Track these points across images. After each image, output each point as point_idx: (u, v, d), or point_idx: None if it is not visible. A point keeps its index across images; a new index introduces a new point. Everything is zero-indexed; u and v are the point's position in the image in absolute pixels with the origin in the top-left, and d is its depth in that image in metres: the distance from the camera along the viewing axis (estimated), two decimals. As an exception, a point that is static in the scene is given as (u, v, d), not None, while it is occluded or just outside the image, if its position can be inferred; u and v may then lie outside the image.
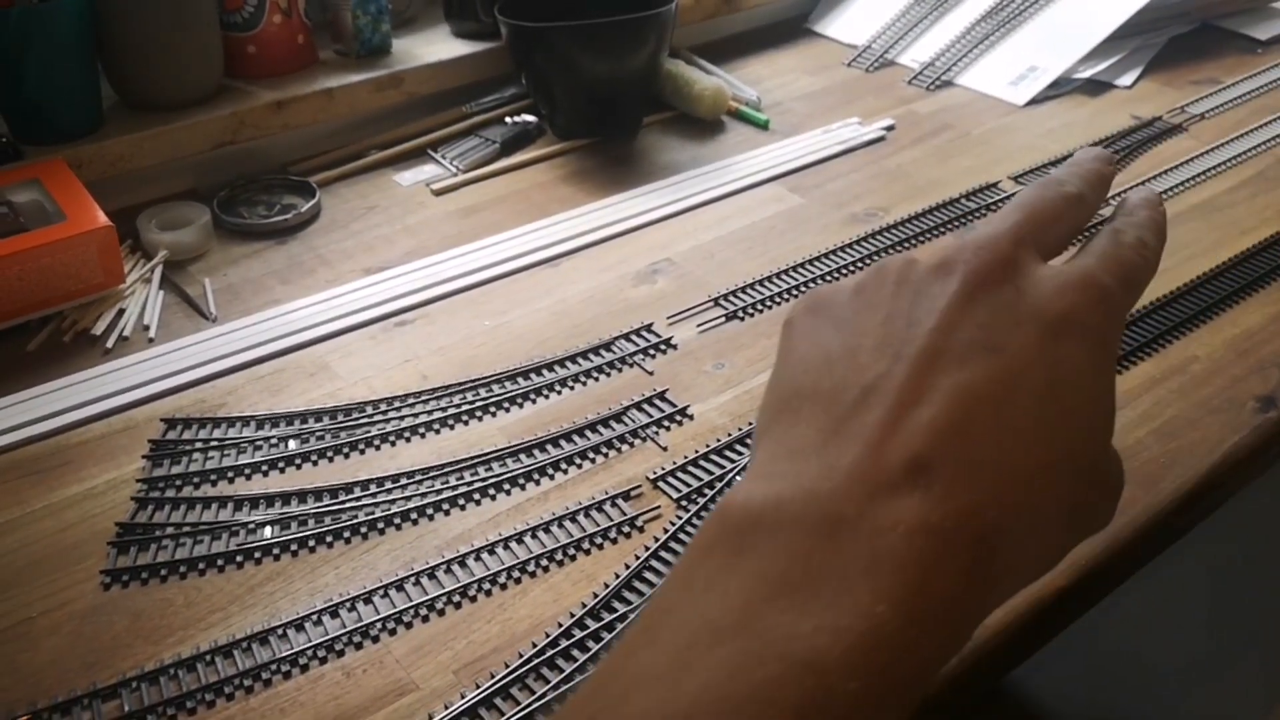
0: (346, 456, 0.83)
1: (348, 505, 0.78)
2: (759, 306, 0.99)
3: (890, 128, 1.33)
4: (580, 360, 0.92)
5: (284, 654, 0.67)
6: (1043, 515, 0.41)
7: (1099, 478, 0.45)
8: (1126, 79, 1.43)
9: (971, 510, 0.38)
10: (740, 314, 0.98)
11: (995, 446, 0.40)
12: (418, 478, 0.80)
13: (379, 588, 0.71)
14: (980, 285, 0.44)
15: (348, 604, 0.70)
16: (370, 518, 0.76)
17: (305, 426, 0.85)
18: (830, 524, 0.38)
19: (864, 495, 0.38)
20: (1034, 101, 1.39)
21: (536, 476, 0.81)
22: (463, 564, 0.73)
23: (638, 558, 0.73)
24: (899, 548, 0.37)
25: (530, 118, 1.34)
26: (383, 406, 0.87)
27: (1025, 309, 0.44)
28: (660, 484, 0.80)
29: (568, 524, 0.76)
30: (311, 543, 0.75)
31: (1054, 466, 0.41)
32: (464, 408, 0.87)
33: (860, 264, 1.05)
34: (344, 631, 0.68)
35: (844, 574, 0.36)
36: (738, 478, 0.79)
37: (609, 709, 0.37)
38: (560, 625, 0.68)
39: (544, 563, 0.73)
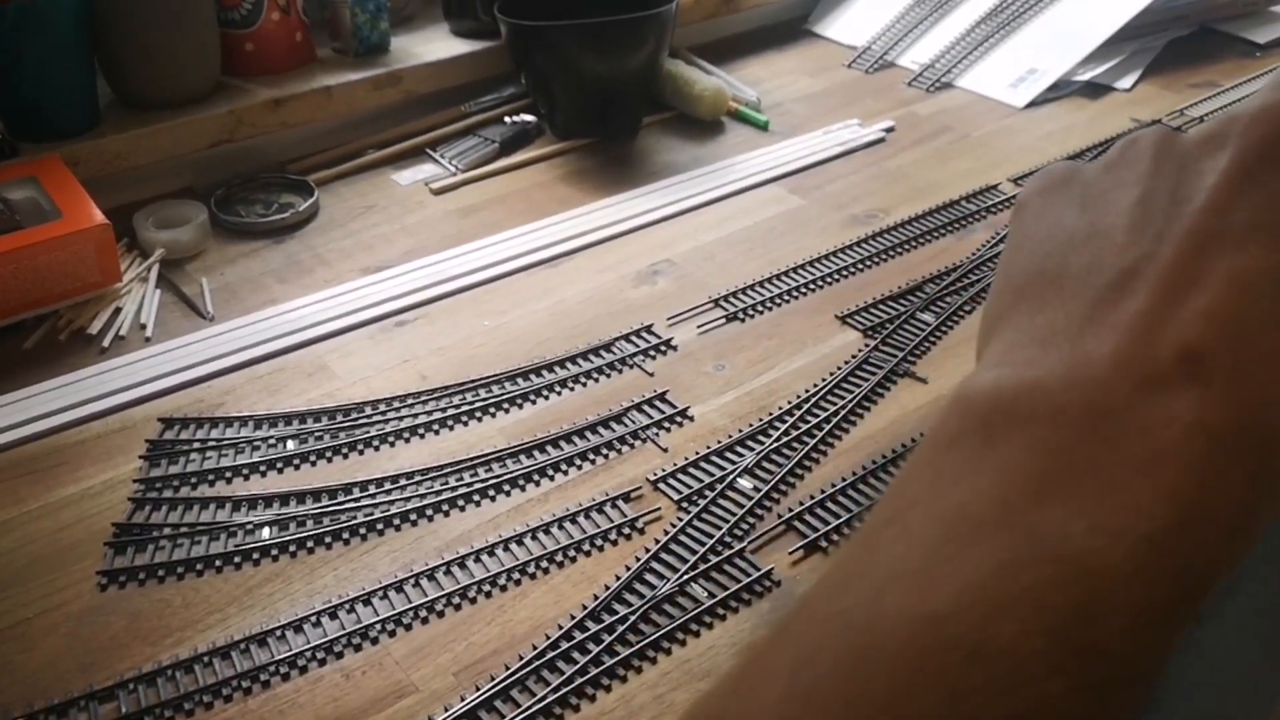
0: (345, 457, 0.82)
1: (347, 506, 0.77)
2: (759, 308, 0.99)
3: (890, 129, 1.33)
4: (580, 361, 0.92)
5: (282, 656, 0.66)
6: None
7: None
8: (1126, 82, 1.43)
9: (1254, 410, 0.34)
10: (740, 315, 0.98)
11: (1276, 339, 0.36)
12: (417, 479, 0.80)
13: (378, 589, 0.71)
14: (1258, 160, 0.39)
15: (347, 606, 0.70)
16: (369, 519, 0.76)
17: (304, 427, 0.85)
18: (1096, 415, 0.34)
19: (1133, 387, 0.35)
20: (1034, 104, 1.39)
21: (536, 478, 0.80)
22: (462, 565, 0.73)
23: (638, 559, 0.73)
24: (1178, 445, 0.33)
25: (529, 117, 1.33)
26: (381, 407, 0.87)
27: None
28: (660, 485, 0.79)
29: (568, 525, 0.76)
30: (310, 544, 0.75)
31: None
32: (463, 408, 0.86)
33: (861, 265, 1.05)
34: (343, 633, 0.68)
35: (1116, 471, 0.33)
36: (739, 479, 0.79)
37: (861, 606, 0.34)
38: (560, 627, 0.68)
39: (544, 564, 0.73)
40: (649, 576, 0.72)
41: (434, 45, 1.37)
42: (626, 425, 0.85)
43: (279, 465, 0.81)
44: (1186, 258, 0.37)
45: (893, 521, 0.36)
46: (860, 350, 0.92)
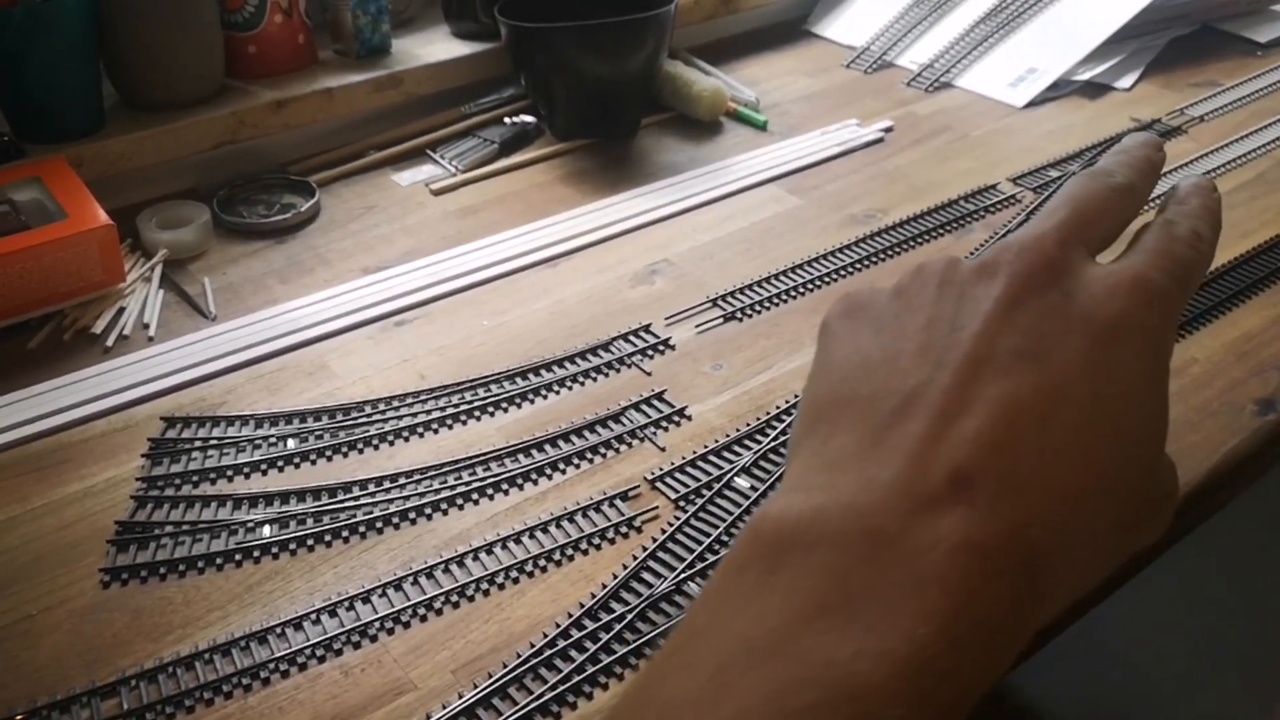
0: (345, 456, 0.83)
1: (346, 505, 0.78)
2: (757, 308, 0.99)
3: (889, 129, 1.33)
4: (578, 360, 0.93)
5: (282, 653, 0.67)
6: (1090, 531, 0.39)
7: (1150, 493, 0.43)
8: (1126, 81, 1.43)
9: (1016, 528, 0.37)
10: (738, 315, 0.98)
11: (1040, 462, 0.38)
12: (416, 477, 0.80)
13: (377, 587, 0.71)
14: (1025, 289, 0.42)
15: (346, 603, 0.70)
16: (369, 517, 0.77)
17: (304, 426, 0.85)
18: (870, 541, 0.36)
19: (906, 510, 0.37)
20: (1033, 103, 1.39)
21: (535, 477, 0.81)
22: (461, 564, 0.73)
23: (635, 558, 0.73)
24: (942, 567, 0.35)
25: (529, 118, 1.34)
26: (381, 406, 0.87)
27: (1073, 314, 0.42)
28: (658, 484, 0.80)
29: (566, 524, 0.76)
30: (310, 542, 0.75)
31: (1102, 483, 0.39)
32: (462, 408, 0.87)
33: (859, 265, 1.05)
34: (342, 631, 0.68)
35: (885, 595, 0.35)
36: (736, 478, 0.80)
37: None
38: (558, 625, 0.68)
39: (542, 563, 0.74)
40: (646, 575, 0.72)
41: (434, 47, 1.38)
42: (624, 424, 0.86)
43: (279, 464, 0.82)
44: (961, 383, 0.40)
45: (679, 651, 0.38)
46: (857, 350, 0.93)
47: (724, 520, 0.76)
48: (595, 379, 0.91)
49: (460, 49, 1.38)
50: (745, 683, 0.34)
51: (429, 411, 0.87)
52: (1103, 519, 0.40)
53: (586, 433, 0.85)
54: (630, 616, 0.69)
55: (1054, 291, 0.42)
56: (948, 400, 0.39)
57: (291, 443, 0.84)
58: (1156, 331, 0.43)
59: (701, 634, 0.37)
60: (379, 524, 0.77)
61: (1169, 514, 0.45)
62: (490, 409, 0.87)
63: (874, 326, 0.46)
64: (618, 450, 0.83)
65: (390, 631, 0.69)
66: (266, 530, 0.76)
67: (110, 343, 0.96)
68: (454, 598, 0.71)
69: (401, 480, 0.80)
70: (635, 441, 0.84)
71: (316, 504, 0.78)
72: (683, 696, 0.35)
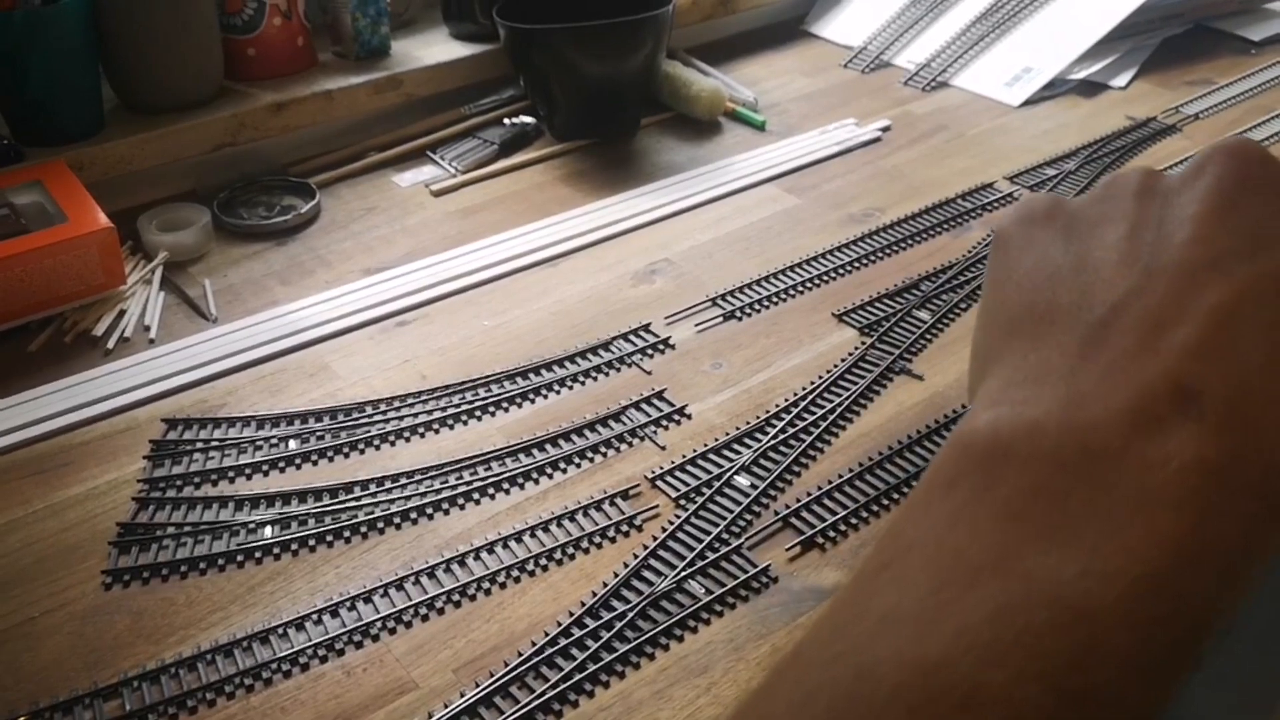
0: (346, 456, 0.83)
1: (348, 505, 0.78)
2: (756, 306, 1.00)
3: (886, 128, 1.34)
4: (579, 360, 0.93)
5: (284, 653, 0.67)
6: None
7: None
8: (1121, 80, 1.43)
9: (1251, 445, 0.34)
10: (738, 314, 0.99)
11: (1269, 373, 0.35)
12: (417, 477, 0.81)
13: (379, 587, 0.72)
14: (1239, 187, 0.39)
15: (348, 603, 0.71)
16: (370, 517, 0.77)
17: (305, 426, 0.86)
18: (1092, 457, 0.34)
19: (1128, 426, 0.35)
20: (1029, 102, 1.39)
21: (535, 476, 0.81)
22: (462, 563, 0.74)
23: (636, 556, 0.74)
24: (1173, 485, 0.33)
25: (528, 119, 1.34)
26: (382, 406, 0.88)
27: None
28: (659, 483, 0.80)
29: (566, 523, 0.77)
30: (312, 542, 0.75)
31: None
32: (463, 408, 0.87)
33: (858, 263, 1.06)
34: (344, 630, 0.69)
35: (1111, 514, 0.33)
36: (736, 477, 0.80)
37: (855, 651, 0.34)
38: (559, 624, 0.69)
39: (543, 562, 0.74)
40: (647, 573, 0.73)
41: (434, 49, 1.38)
42: (625, 423, 0.86)
43: (281, 465, 0.82)
44: (1175, 290, 0.37)
45: (888, 566, 0.36)
46: (857, 348, 0.93)
47: (724, 518, 0.76)
48: (595, 378, 0.91)
49: (460, 50, 1.38)
50: (967, 601, 0.33)
51: (430, 412, 0.87)
52: None
53: (587, 432, 0.85)
54: (631, 615, 0.69)
55: (1268, 191, 0.40)
56: (1163, 309, 0.37)
57: (293, 443, 0.84)
58: None
59: (915, 548, 0.36)
60: (380, 524, 0.77)
61: None
62: (491, 409, 0.88)
63: (1064, 235, 0.43)
64: (618, 449, 0.84)
65: (392, 631, 0.69)
66: (268, 531, 0.76)
67: (111, 345, 0.96)
68: (455, 597, 0.71)
69: (403, 480, 0.80)
70: (635, 440, 0.84)
71: (318, 504, 0.78)
72: (900, 612, 0.34)
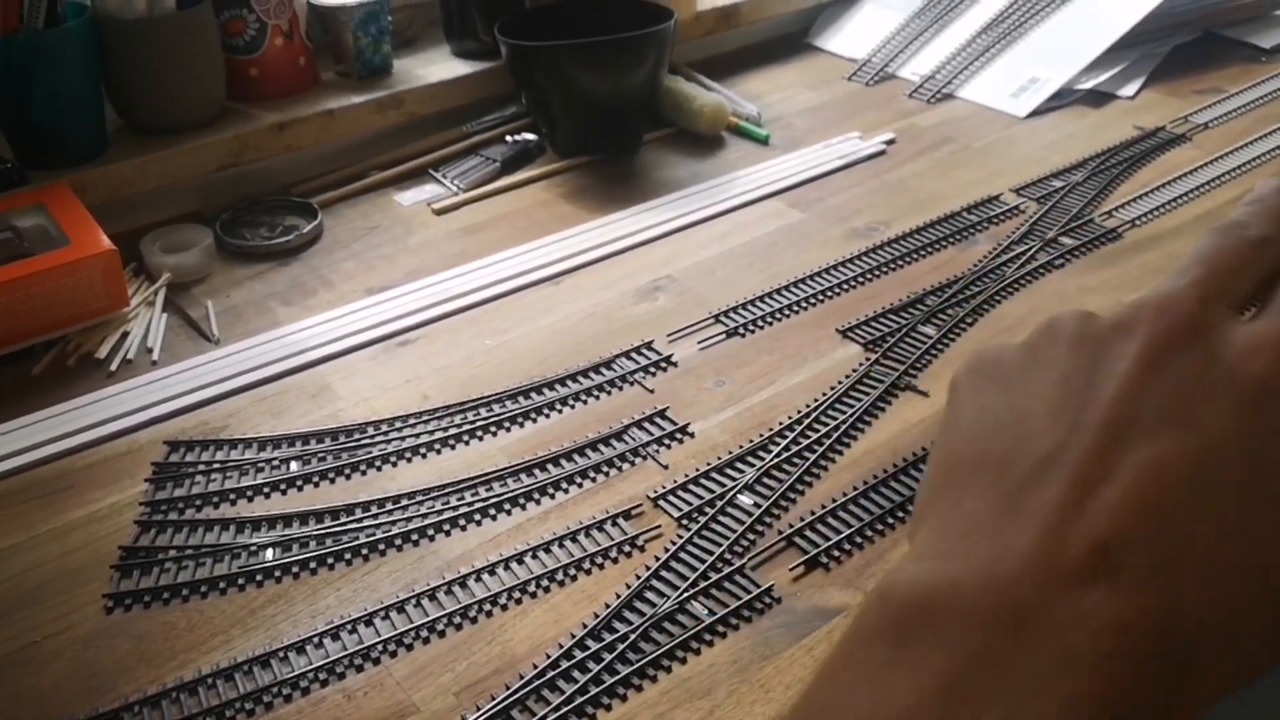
0: (348, 478, 0.83)
1: (349, 527, 0.78)
2: (760, 323, 0.99)
3: (891, 141, 1.33)
4: (581, 379, 0.93)
5: (285, 677, 0.67)
6: (1248, 620, 0.36)
7: None
8: (1129, 89, 1.43)
9: (1168, 608, 0.34)
10: (741, 330, 0.98)
11: (1191, 536, 0.35)
12: (419, 498, 0.80)
13: (380, 609, 0.71)
14: (1167, 348, 0.39)
15: (349, 626, 0.70)
16: (371, 539, 0.77)
17: (307, 448, 0.86)
18: (1009, 616, 0.34)
19: (1046, 584, 0.34)
20: (1036, 113, 1.39)
21: (537, 496, 0.81)
22: (463, 585, 0.73)
23: (638, 577, 0.73)
24: (1087, 648, 0.33)
25: (530, 136, 1.34)
26: (384, 427, 0.88)
27: (1220, 376, 0.39)
28: (661, 502, 0.80)
29: (568, 544, 0.76)
30: (313, 564, 0.75)
31: (1259, 553, 0.36)
32: (465, 427, 0.87)
33: (862, 279, 1.05)
34: (345, 654, 0.68)
35: (1029, 676, 0.33)
36: (739, 495, 0.80)
37: None
38: (561, 646, 0.68)
39: (545, 583, 0.74)
40: (649, 594, 0.72)
41: (435, 67, 1.38)
42: (627, 442, 0.85)
43: (282, 487, 0.82)
44: (1100, 447, 0.37)
45: None
46: (861, 364, 0.93)
47: (727, 538, 0.76)
48: (598, 397, 0.91)
49: (461, 68, 1.38)
50: None
51: (431, 432, 0.87)
52: (1263, 605, 0.37)
53: (589, 451, 0.85)
54: (634, 636, 0.69)
55: (1197, 351, 0.40)
56: (1087, 465, 0.37)
57: (294, 465, 0.84)
58: None
59: (826, 713, 0.36)
60: (381, 546, 0.77)
61: None
62: (493, 428, 0.87)
63: (1001, 384, 0.43)
64: (620, 469, 0.83)
65: (393, 654, 0.69)
66: (269, 553, 0.76)
67: (114, 367, 0.96)
68: (456, 619, 0.71)
69: (404, 501, 0.80)
70: (638, 459, 0.84)
71: (319, 526, 0.78)
72: None
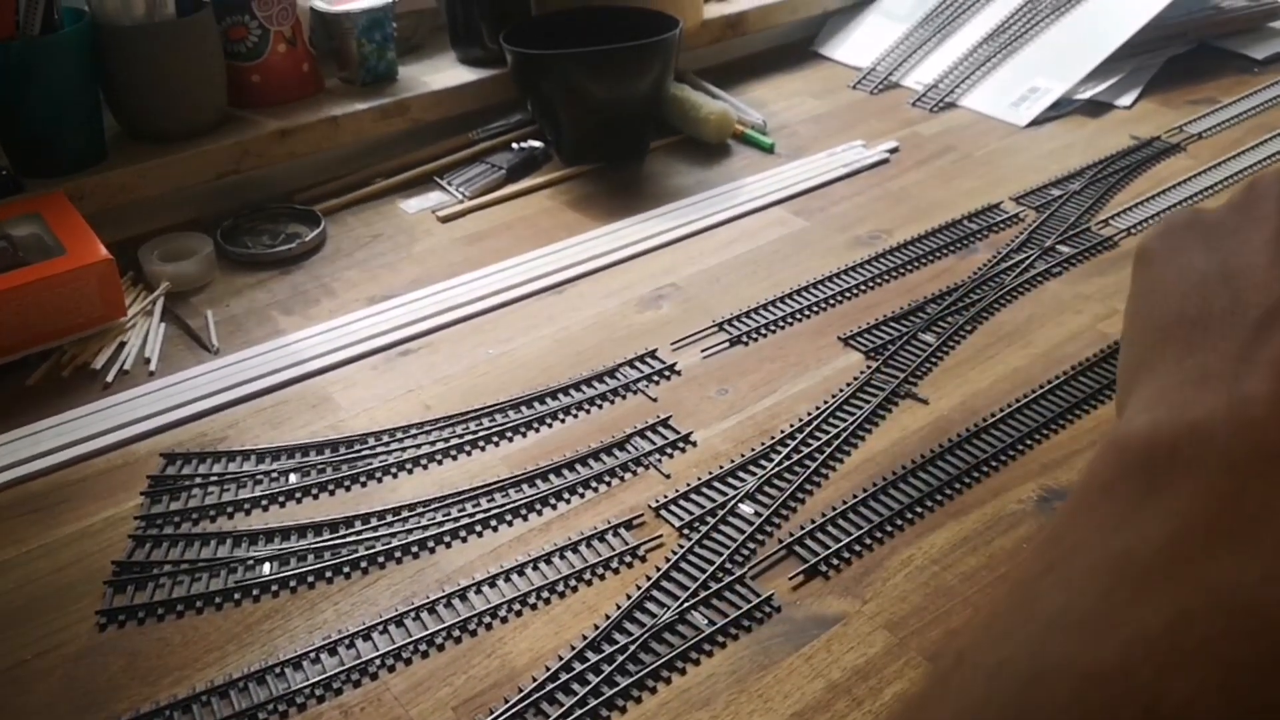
0: (347, 490, 0.82)
1: (348, 539, 0.77)
2: (763, 331, 0.98)
3: (894, 150, 1.33)
4: (584, 388, 0.92)
5: (281, 693, 0.66)
6: None
7: None
8: (1126, 99, 1.43)
9: None
10: (744, 339, 0.98)
11: None
12: (419, 510, 0.80)
13: (378, 624, 0.71)
14: None
15: (346, 641, 0.69)
16: (370, 552, 0.76)
17: (306, 460, 0.85)
18: (1263, 457, 0.32)
19: None
20: (1035, 122, 1.39)
21: (538, 507, 0.80)
22: (463, 598, 0.72)
23: (639, 587, 0.72)
24: None
25: (536, 143, 1.33)
26: (385, 438, 0.87)
27: None
28: (662, 512, 0.79)
29: (569, 555, 0.76)
30: (310, 579, 0.74)
31: None
32: (466, 438, 0.86)
33: (865, 286, 1.04)
34: (342, 669, 0.68)
35: None
36: (740, 505, 0.79)
37: (1024, 658, 0.32)
38: (560, 659, 0.68)
39: (545, 594, 0.73)
40: (649, 605, 0.71)
41: (441, 74, 1.38)
42: (629, 452, 0.85)
43: (280, 499, 0.81)
44: None
45: (1051, 568, 0.34)
46: (862, 372, 0.92)
47: (727, 547, 0.75)
48: (601, 406, 0.90)
49: (467, 75, 1.37)
50: (1140, 605, 0.31)
51: (433, 443, 0.86)
52: None
53: (591, 461, 0.84)
54: (633, 647, 0.68)
55: None
56: None
57: (293, 477, 0.83)
58: None
59: (1079, 551, 0.34)
60: (380, 559, 0.76)
61: None
62: (495, 439, 0.87)
63: (1207, 243, 0.42)
64: (622, 478, 0.83)
65: (391, 669, 0.68)
66: (266, 568, 0.75)
67: (110, 378, 0.95)
68: (455, 632, 0.70)
69: (404, 513, 0.79)
70: (640, 469, 0.83)
71: (317, 539, 0.77)
72: (1069, 618, 0.32)
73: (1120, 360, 0.42)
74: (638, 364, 0.95)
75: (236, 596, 0.73)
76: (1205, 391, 0.36)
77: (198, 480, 0.83)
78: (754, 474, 0.82)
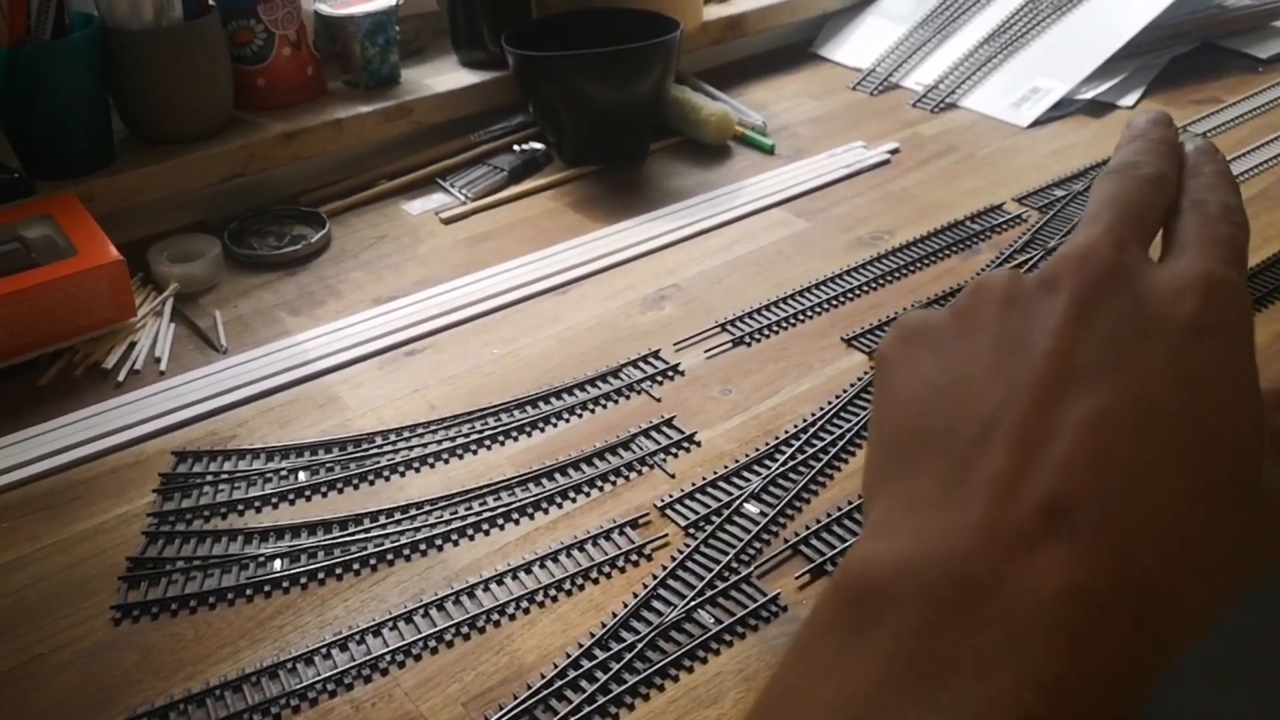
0: (356, 488, 0.83)
1: (357, 537, 0.78)
2: (766, 331, 0.99)
3: (895, 151, 1.34)
4: (588, 388, 0.93)
5: (293, 688, 0.67)
6: (1207, 551, 0.35)
7: (1261, 496, 0.38)
8: (1129, 99, 1.43)
9: (1124, 559, 0.33)
10: (747, 339, 0.98)
11: (1139, 480, 0.34)
12: (426, 508, 0.81)
13: (388, 620, 0.71)
14: (1093, 298, 0.39)
15: (356, 637, 0.70)
16: (379, 549, 0.77)
17: (315, 458, 0.86)
18: (962, 591, 0.33)
19: (999, 553, 0.33)
20: (1037, 123, 1.39)
21: (545, 506, 0.81)
22: (471, 595, 0.73)
23: (646, 586, 0.73)
24: (1043, 617, 0.32)
25: (538, 145, 1.34)
26: (392, 437, 0.88)
27: (1148, 319, 0.38)
28: (668, 511, 0.80)
29: (576, 553, 0.76)
30: (321, 575, 0.75)
31: (1210, 492, 0.35)
32: (472, 437, 0.87)
33: (867, 288, 1.05)
34: (353, 665, 0.68)
35: (981, 655, 0.32)
36: (746, 504, 0.80)
37: None
38: (569, 655, 0.68)
39: (552, 592, 0.74)
40: (656, 603, 0.72)
41: (443, 77, 1.39)
42: (634, 451, 0.86)
43: (290, 497, 0.82)
44: (1041, 405, 0.36)
45: (769, 716, 0.35)
46: (866, 373, 0.93)
47: (733, 546, 0.76)
48: (605, 406, 0.91)
49: (469, 78, 1.38)
50: None
51: (439, 442, 0.87)
52: (1219, 534, 0.36)
53: (597, 460, 0.85)
54: (641, 645, 0.69)
55: (1123, 297, 0.39)
56: (1028, 425, 0.36)
57: (302, 475, 0.84)
58: (1235, 326, 0.39)
59: (791, 697, 0.35)
60: (389, 556, 0.77)
61: None
62: (500, 438, 0.88)
63: (934, 351, 0.42)
64: (627, 477, 0.83)
65: (401, 665, 0.69)
66: (277, 564, 0.76)
67: (121, 378, 0.96)
68: (464, 629, 0.71)
69: (412, 511, 0.80)
70: (645, 468, 0.84)
71: (327, 537, 0.78)
72: None
73: (864, 468, 0.42)
74: (641, 364, 0.96)
75: (248, 592, 0.74)
76: (918, 519, 0.36)
77: (209, 478, 0.84)
78: (759, 474, 0.83)
